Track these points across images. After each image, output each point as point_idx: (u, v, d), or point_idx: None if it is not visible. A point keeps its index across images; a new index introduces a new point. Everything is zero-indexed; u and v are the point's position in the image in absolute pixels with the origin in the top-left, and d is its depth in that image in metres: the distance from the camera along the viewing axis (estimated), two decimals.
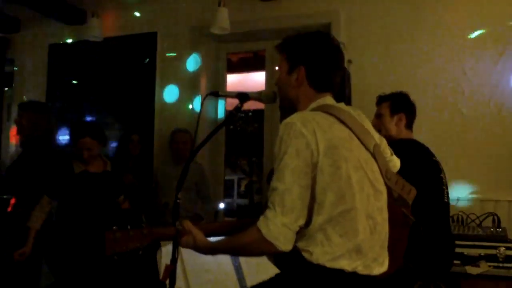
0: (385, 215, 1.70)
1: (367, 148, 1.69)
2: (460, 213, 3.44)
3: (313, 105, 1.75)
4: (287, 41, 1.84)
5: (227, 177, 5.46)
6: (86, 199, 3.46)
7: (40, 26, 5.43)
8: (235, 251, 1.76)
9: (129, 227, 1.73)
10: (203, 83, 4.78)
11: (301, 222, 1.56)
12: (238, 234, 1.65)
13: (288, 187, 1.54)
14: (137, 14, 4.97)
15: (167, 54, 4.79)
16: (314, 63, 1.76)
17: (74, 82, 5.23)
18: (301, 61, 1.77)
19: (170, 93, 4.80)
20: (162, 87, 4.84)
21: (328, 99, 1.78)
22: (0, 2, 4.86)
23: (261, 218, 1.56)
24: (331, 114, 1.67)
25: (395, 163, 1.92)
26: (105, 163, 3.67)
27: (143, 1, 4.91)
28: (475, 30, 3.79)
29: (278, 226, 1.52)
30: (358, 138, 1.67)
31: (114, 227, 1.71)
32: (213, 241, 1.76)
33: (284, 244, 1.53)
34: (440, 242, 2.62)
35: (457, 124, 3.78)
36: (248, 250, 1.66)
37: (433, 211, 2.56)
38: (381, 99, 2.95)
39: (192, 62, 4.72)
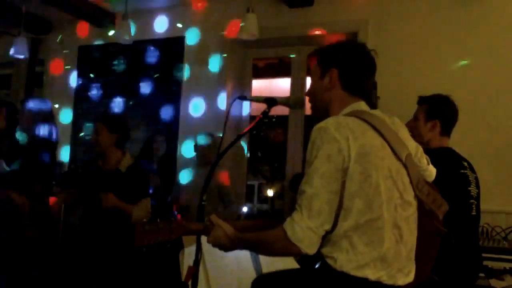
0: (413, 226, 1.68)
1: (399, 158, 1.67)
2: (485, 226, 3.39)
3: (347, 109, 1.74)
4: (320, 48, 1.85)
5: (248, 182, 5.47)
6: (91, 198, 3.30)
7: (70, 28, 5.55)
8: (260, 248, 1.75)
9: (158, 220, 1.76)
10: (229, 88, 4.82)
11: (327, 226, 1.56)
12: (265, 232, 1.65)
13: (316, 191, 1.54)
14: (166, 18, 5.05)
15: None
16: (346, 65, 1.77)
17: (102, 83, 5.33)
18: (333, 64, 1.77)
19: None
20: (188, 91, 4.90)
21: (363, 105, 1.77)
22: (32, 4, 4.97)
23: (288, 219, 1.57)
24: (364, 121, 1.66)
25: (431, 172, 1.89)
26: (118, 160, 3.36)
27: (172, 6, 4.98)
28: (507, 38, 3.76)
29: (303, 229, 1.53)
30: (391, 147, 1.65)
31: (144, 219, 1.74)
32: (240, 234, 1.76)
33: (308, 247, 1.54)
34: (467, 255, 2.57)
35: (483, 135, 3.73)
36: (272, 249, 1.66)
37: (459, 224, 2.51)
38: (421, 100, 2.88)
39: (216, 62, 4.80)
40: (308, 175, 1.58)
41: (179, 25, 4.99)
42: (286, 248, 1.57)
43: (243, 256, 2.49)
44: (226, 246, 1.76)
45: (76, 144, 5.42)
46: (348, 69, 1.77)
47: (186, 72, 4.93)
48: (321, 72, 1.80)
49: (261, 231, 1.69)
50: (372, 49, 1.84)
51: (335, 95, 1.78)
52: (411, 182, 1.69)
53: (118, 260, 3.21)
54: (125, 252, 3.16)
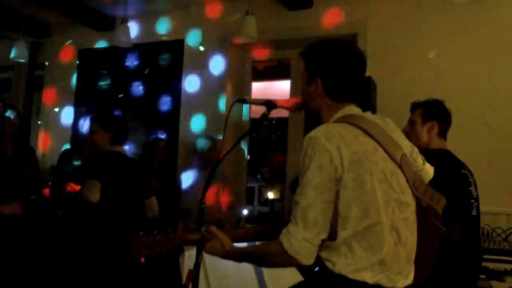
0: (412, 227, 1.67)
1: (393, 159, 1.65)
2: (486, 227, 3.39)
3: (338, 115, 1.73)
4: (308, 49, 1.82)
5: (248, 185, 5.47)
6: None
7: (70, 31, 5.55)
8: (258, 262, 1.77)
9: (155, 232, 1.76)
10: (229, 90, 4.82)
11: (323, 236, 1.55)
12: (262, 245, 1.66)
13: (311, 202, 1.53)
14: (165, 21, 5.06)
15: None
16: (329, 75, 1.73)
17: (102, 86, 5.34)
18: (317, 73, 1.75)
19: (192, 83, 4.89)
20: (188, 94, 4.90)
21: (353, 109, 1.75)
22: (32, 8, 4.98)
23: (284, 232, 1.56)
24: (355, 126, 1.64)
25: (428, 171, 1.87)
26: None
27: (171, 8, 4.99)
28: (504, 40, 3.76)
29: (300, 241, 1.52)
30: (384, 149, 1.64)
31: (141, 232, 1.74)
32: (238, 248, 1.78)
33: (306, 258, 1.54)
34: (468, 256, 2.57)
35: (484, 136, 3.73)
36: (270, 262, 1.67)
37: (460, 224, 2.51)
38: (414, 106, 2.90)
39: (216, 65, 4.82)
40: (301, 186, 1.57)
41: (179, 28, 4.99)
42: (284, 261, 1.57)
43: None
44: (222, 258, 1.78)
45: None
46: (332, 78, 1.73)
47: (185, 75, 4.93)
48: (308, 79, 1.78)
49: (258, 246, 1.70)
50: (363, 49, 1.82)
51: (323, 103, 1.76)
52: (407, 181, 1.68)
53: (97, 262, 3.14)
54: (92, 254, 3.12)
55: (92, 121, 3.38)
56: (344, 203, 1.55)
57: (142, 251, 1.72)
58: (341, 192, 1.55)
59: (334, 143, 1.56)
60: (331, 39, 1.83)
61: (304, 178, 1.57)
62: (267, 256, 1.63)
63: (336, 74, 1.74)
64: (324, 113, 1.76)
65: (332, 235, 1.56)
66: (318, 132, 1.60)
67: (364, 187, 1.55)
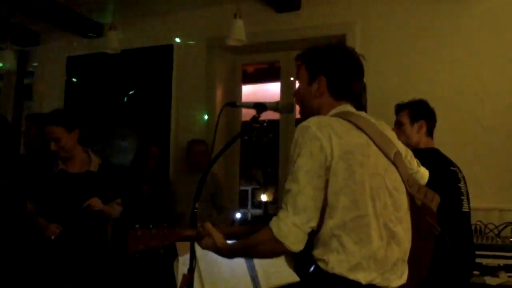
0: (406, 225, 1.68)
1: (387, 156, 1.67)
2: (478, 223, 3.40)
3: (333, 111, 1.75)
4: (307, 52, 1.85)
5: (241, 188, 5.47)
6: (61, 204, 3.01)
7: (58, 39, 5.53)
8: (249, 252, 1.75)
9: (151, 226, 1.76)
10: (219, 94, 4.82)
11: (313, 223, 1.56)
12: (252, 235, 1.66)
13: (301, 188, 1.54)
14: (154, 26, 5.06)
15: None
16: (334, 73, 1.77)
17: (92, 93, 5.32)
18: (321, 71, 1.77)
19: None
20: (178, 99, 4.89)
21: (349, 107, 1.78)
22: (19, 16, 4.96)
23: (274, 218, 1.58)
24: (349, 121, 1.66)
25: (423, 174, 1.89)
26: (89, 161, 3.14)
27: (159, 13, 4.98)
28: (493, 37, 3.79)
29: (288, 226, 1.53)
30: (377, 146, 1.66)
31: (137, 225, 1.73)
32: (229, 243, 1.77)
33: (294, 244, 1.54)
34: (460, 253, 2.58)
35: (475, 133, 3.75)
36: (260, 249, 1.65)
37: (451, 221, 2.53)
38: (399, 108, 2.93)
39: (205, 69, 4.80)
40: (292, 173, 1.59)
41: (168, 33, 4.99)
42: (273, 247, 1.57)
43: (237, 261, 2.49)
44: (218, 253, 1.78)
45: None
46: (336, 76, 1.77)
47: (175, 80, 4.92)
48: (309, 79, 1.80)
49: (248, 236, 1.69)
50: (360, 54, 1.85)
51: (324, 102, 1.79)
52: (402, 178, 1.69)
53: (101, 266, 3.11)
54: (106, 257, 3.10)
55: (49, 126, 2.99)
56: (332, 192, 1.56)
57: (137, 245, 1.72)
58: (330, 181, 1.56)
59: (325, 133, 1.58)
60: (330, 44, 1.89)
61: (295, 165, 1.58)
62: (257, 245, 1.63)
63: (340, 71, 1.78)
64: (321, 112, 1.78)
65: (320, 223, 1.57)
66: (310, 121, 1.63)
67: (354, 177, 1.56)
